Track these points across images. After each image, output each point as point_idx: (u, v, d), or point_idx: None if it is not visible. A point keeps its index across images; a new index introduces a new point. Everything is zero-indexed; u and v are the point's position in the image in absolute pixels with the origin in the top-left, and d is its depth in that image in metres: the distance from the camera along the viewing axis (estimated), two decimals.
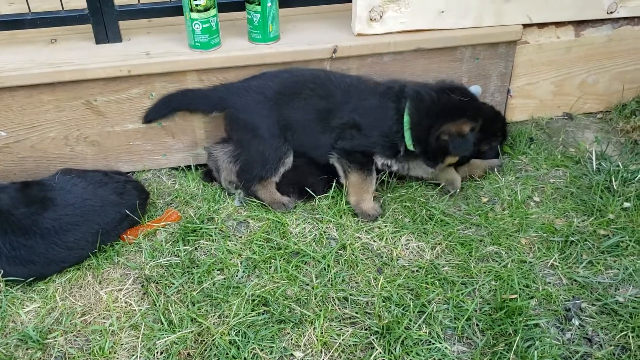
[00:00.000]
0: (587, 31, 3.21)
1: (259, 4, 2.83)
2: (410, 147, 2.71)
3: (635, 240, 2.55)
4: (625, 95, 3.42)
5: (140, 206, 2.69)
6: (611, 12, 3.14)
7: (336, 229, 2.67)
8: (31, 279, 2.42)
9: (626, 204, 2.74)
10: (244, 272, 2.47)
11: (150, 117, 2.91)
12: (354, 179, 2.75)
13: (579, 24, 3.20)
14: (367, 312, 2.29)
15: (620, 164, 2.95)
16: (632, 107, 3.36)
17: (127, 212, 2.62)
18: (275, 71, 2.86)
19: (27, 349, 2.20)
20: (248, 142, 2.77)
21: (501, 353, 2.12)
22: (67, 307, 2.35)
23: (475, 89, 3.22)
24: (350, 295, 2.35)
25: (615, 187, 2.82)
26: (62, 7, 2.90)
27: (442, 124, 2.64)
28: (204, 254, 2.57)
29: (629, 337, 2.17)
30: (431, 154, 2.71)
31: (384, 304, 2.31)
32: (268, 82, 2.78)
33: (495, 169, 2.99)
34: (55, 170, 2.72)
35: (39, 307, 2.36)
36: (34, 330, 2.23)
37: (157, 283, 2.43)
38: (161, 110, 2.91)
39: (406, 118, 2.68)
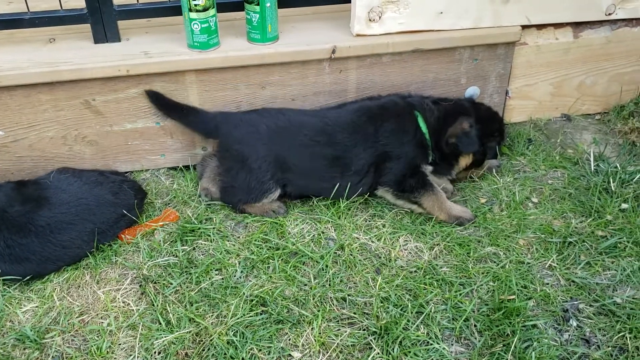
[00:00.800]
0: (586, 32, 3.21)
1: (257, 4, 2.83)
2: (430, 154, 2.79)
3: (633, 241, 2.56)
4: (623, 96, 3.43)
5: (136, 206, 2.69)
6: (609, 14, 3.15)
7: (334, 229, 2.67)
8: (28, 277, 2.41)
9: (624, 205, 2.74)
10: (242, 272, 2.47)
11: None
12: (427, 203, 2.72)
13: (578, 26, 3.21)
14: (365, 313, 2.29)
15: (618, 166, 2.96)
16: (630, 109, 3.36)
17: (124, 211, 2.62)
18: (273, 110, 2.88)
19: (24, 349, 2.19)
20: (236, 172, 2.74)
21: (499, 354, 2.12)
22: (65, 306, 2.35)
23: (473, 90, 3.22)
24: (349, 295, 2.35)
25: (613, 189, 2.82)
26: (61, 7, 2.90)
27: (447, 129, 2.76)
28: (202, 254, 2.57)
29: (626, 338, 2.17)
30: (446, 159, 2.82)
31: (382, 304, 2.31)
32: (264, 119, 2.77)
33: (494, 170, 2.99)
34: (53, 169, 2.71)
35: (36, 306, 2.35)
36: (31, 330, 2.23)
37: (155, 283, 2.42)
38: (160, 106, 2.91)
39: (423, 127, 2.75)
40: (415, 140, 2.75)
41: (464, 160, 2.85)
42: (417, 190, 2.71)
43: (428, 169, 2.79)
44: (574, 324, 2.25)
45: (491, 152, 2.94)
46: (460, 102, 2.94)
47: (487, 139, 2.87)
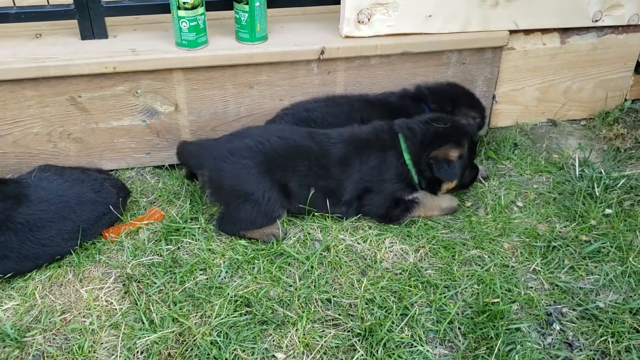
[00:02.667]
0: (573, 39, 3.24)
1: (247, 4, 2.82)
2: (416, 181, 2.73)
3: (616, 246, 2.58)
4: (608, 103, 3.46)
5: (120, 204, 2.67)
6: (596, 20, 3.18)
7: (320, 231, 2.67)
8: (9, 275, 2.38)
9: (608, 211, 2.77)
10: (226, 272, 2.46)
11: None
12: (417, 215, 2.73)
13: (565, 31, 3.23)
14: (349, 314, 2.29)
15: (602, 171, 2.98)
16: (615, 115, 3.40)
17: (105, 210, 2.59)
18: (260, 129, 2.76)
19: (4, 347, 2.16)
20: (237, 206, 2.59)
21: (483, 356, 2.12)
22: (47, 305, 2.32)
23: None
24: (334, 297, 2.35)
25: (597, 194, 2.85)
26: (48, 2, 2.88)
27: (430, 152, 2.69)
28: (187, 254, 2.55)
29: (608, 342, 2.19)
30: (430, 185, 2.75)
31: (366, 306, 2.31)
32: (257, 145, 2.60)
33: (480, 177, 2.99)
34: (36, 167, 2.69)
35: (17, 304, 2.32)
36: (12, 328, 2.20)
37: (138, 282, 2.41)
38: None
39: (406, 156, 2.69)
40: (397, 174, 2.69)
41: (446, 186, 2.78)
42: (404, 215, 2.71)
43: (415, 194, 2.73)
44: (557, 327, 2.26)
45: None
46: (456, 126, 2.78)
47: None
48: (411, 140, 2.70)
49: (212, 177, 2.64)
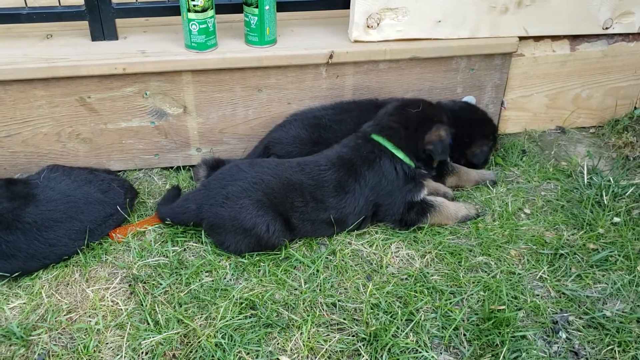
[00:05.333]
0: (583, 46, 3.23)
1: (256, 7, 2.83)
2: (411, 163, 2.69)
3: (624, 255, 2.56)
4: (618, 110, 3.44)
5: (127, 205, 2.68)
6: (607, 28, 3.16)
7: None
8: (16, 274, 2.39)
9: (616, 219, 2.75)
10: (232, 274, 2.46)
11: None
12: (433, 221, 2.71)
13: (575, 39, 3.22)
14: (354, 319, 2.29)
15: (611, 179, 2.97)
16: (625, 123, 3.38)
17: (112, 210, 2.60)
18: (249, 169, 2.59)
19: (10, 345, 2.17)
20: (240, 240, 2.51)
21: None
22: (53, 304, 2.33)
23: (469, 99, 3.23)
24: (339, 301, 2.35)
25: (605, 202, 2.83)
26: (59, 3, 2.89)
27: (422, 139, 2.69)
28: (193, 256, 2.56)
29: (615, 351, 2.17)
30: (426, 164, 2.76)
31: (372, 310, 2.31)
32: (252, 186, 2.51)
33: (488, 183, 2.98)
34: (45, 166, 2.70)
35: (24, 303, 2.34)
36: (18, 327, 2.21)
37: (144, 283, 2.41)
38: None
39: (400, 154, 2.66)
40: (399, 177, 2.66)
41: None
42: (420, 220, 2.69)
43: (424, 192, 2.73)
44: (564, 336, 2.25)
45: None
46: (428, 104, 2.80)
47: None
48: (397, 137, 2.68)
49: (213, 224, 2.54)
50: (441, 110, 2.84)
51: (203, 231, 2.61)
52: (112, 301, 2.35)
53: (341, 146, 2.72)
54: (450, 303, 2.35)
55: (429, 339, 2.21)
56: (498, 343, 2.18)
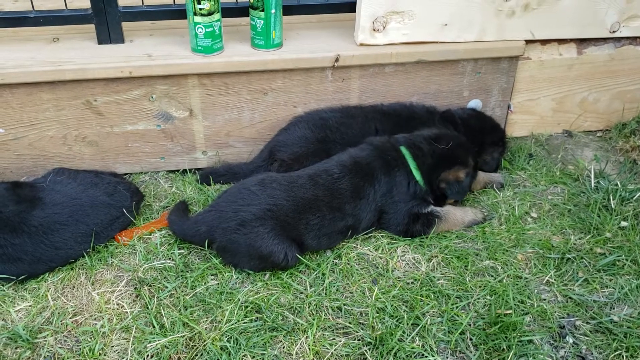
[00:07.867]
0: (589, 49, 3.22)
1: (262, 11, 2.83)
2: (423, 186, 2.70)
3: (631, 259, 2.55)
4: (625, 114, 3.43)
5: (133, 208, 2.68)
6: (614, 32, 3.15)
7: None
8: (22, 277, 2.40)
9: (623, 223, 2.73)
10: (237, 278, 2.46)
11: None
12: (440, 230, 2.71)
13: (582, 42, 3.21)
14: (360, 323, 2.28)
15: (618, 183, 2.95)
16: (632, 127, 3.36)
17: (118, 213, 2.61)
18: (267, 187, 2.53)
19: (16, 348, 2.18)
20: (251, 259, 2.47)
21: None
22: (59, 307, 2.33)
23: (475, 103, 3.23)
24: (344, 305, 2.34)
25: (613, 206, 2.81)
26: (66, 6, 2.91)
27: (439, 173, 2.70)
28: (199, 259, 2.55)
29: (622, 356, 2.16)
30: (436, 198, 2.77)
31: (377, 315, 2.30)
32: (265, 213, 2.45)
33: (495, 186, 2.98)
34: (51, 169, 2.71)
35: (30, 306, 2.34)
36: (24, 329, 2.21)
37: (150, 286, 2.41)
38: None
39: (417, 175, 2.68)
40: (410, 193, 2.67)
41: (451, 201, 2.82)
42: (426, 231, 2.68)
43: (430, 208, 2.72)
44: (570, 340, 2.23)
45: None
46: (459, 144, 2.79)
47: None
48: (421, 159, 2.69)
49: (226, 247, 2.49)
50: (468, 151, 2.80)
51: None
52: (117, 304, 2.35)
53: (358, 149, 2.73)
54: (457, 307, 2.34)
55: (435, 343, 2.20)
56: (504, 348, 2.17)
